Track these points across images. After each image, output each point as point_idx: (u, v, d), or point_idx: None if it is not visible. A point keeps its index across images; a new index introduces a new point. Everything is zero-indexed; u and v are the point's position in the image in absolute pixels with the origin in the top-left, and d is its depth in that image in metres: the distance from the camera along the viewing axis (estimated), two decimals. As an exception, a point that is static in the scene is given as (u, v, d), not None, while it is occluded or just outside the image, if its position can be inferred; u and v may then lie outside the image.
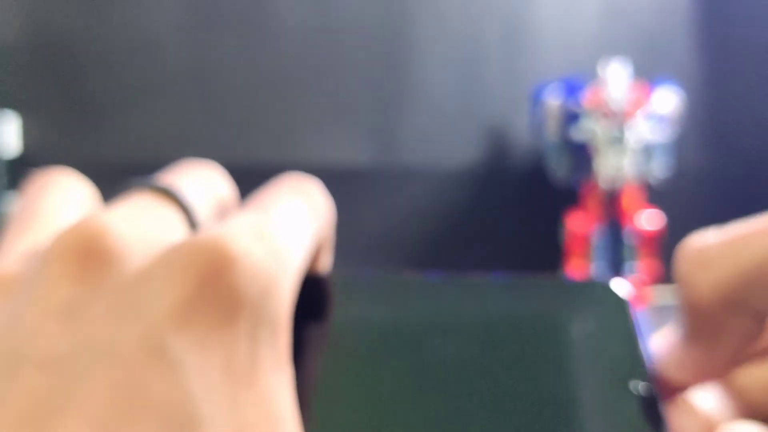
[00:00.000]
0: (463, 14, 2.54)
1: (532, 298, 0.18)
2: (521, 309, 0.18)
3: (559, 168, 2.34)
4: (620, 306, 0.18)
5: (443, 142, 2.53)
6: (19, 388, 0.11)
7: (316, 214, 0.17)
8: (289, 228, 0.15)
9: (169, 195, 0.16)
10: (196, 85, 2.51)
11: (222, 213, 0.18)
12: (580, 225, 2.26)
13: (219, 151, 2.58)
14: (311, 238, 0.16)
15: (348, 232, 2.21)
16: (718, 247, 0.17)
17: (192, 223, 0.16)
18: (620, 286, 0.19)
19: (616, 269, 2.26)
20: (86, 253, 0.13)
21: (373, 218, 2.53)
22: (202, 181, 0.18)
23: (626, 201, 2.25)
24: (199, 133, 2.51)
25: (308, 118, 2.52)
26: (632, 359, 0.17)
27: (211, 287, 0.12)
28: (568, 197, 2.36)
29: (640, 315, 0.18)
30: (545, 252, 2.44)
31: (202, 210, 0.17)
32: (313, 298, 0.18)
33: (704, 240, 0.18)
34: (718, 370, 0.18)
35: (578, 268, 2.27)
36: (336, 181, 2.34)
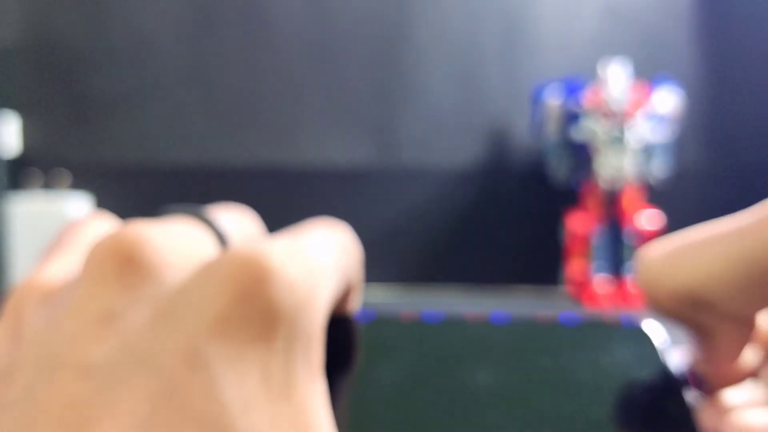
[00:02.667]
0: (462, 15, 2.54)
1: (567, 345, 0.18)
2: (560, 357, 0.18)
3: (559, 168, 2.34)
4: (653, 351, 0.18)
5: (443, 142, 2.53)
6: (58, 393, 0.11)
7: (347, 252, 0.17)
8: (322, 252, 0.15)
9: (204, 220, 0.16)
10: (196, 86, 2.51)
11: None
12: (580, 225, 2.26)
13: (218, 151, 2.59)
14: (342, 269, 0.16)
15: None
16: (668, 257, 0.18)
17: (225, 247, 0.16)
18: (652, 329, 0.19)
19: (616, 269, 2.26)
20: (125, 260, 0.13)
21: (373, 218, 2.53)
22: (235, 217, 0.18)
23: (626, 201, 2.25)
24: (198, 134, 2.51)
25: (308, 119, 2.52)
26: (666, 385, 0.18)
27: (249, 300, 0.12)
28: (568, 197, 2.36)
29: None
30: (545, 252, 2.44)
31: (234, 238, 0.17)
32: (340, 338, 0.18)
33: (656, 251, 0.18)
34: (731, 373, 0.18)
35: (578, 268, 2.27)
36: (336, 181, 2.35)
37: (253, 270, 0.13)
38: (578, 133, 2.27)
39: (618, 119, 2.23)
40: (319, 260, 0.14)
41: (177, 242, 0.14)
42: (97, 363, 0.12)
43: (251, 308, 0.12)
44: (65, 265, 0.15)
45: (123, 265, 0.13)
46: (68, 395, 0.11)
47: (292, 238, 0.15)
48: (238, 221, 0.18)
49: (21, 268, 2.27)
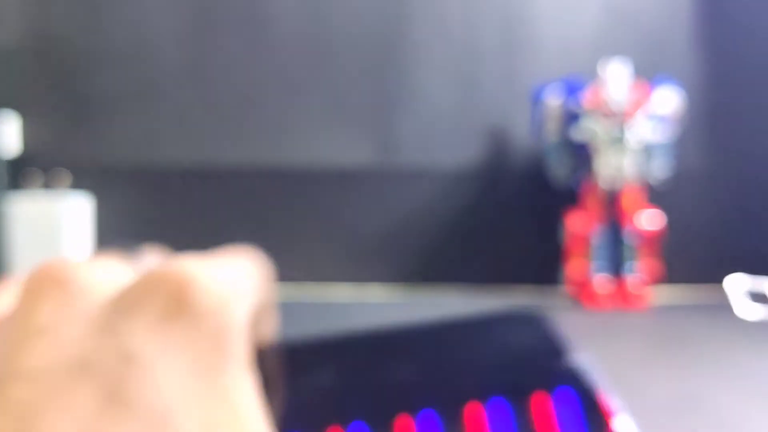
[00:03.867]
0: (462, 15, 2.54)
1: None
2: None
3: (559, 168, 2.34)
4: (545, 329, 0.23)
5: (443, 142, 2.53)
6: (5, 399, 0.13)
7: (256, 277, 0.19)
8: (235, 269, 0.18)
9: (132, 256, 0.19)
10: (195, 87, 2.51)
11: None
12: (580, 225, 2.26)
13: (217, 151, 2.58)
14: (252, 288, 0.18)
15: (348, 232, 2.21)
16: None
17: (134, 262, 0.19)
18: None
19: (616, 269, 2.26)
20: (57, 281, 0.15)
21: (373, 218, 2.53)
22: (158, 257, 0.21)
23: (626, 201, 2.25)
24: (197, 135, 2.51)
25: (308, 119, 2.52)
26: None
27: (177, 303, 0.15)
28: (568, 197, 2.36)
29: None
30: (545, 252, 2.44)
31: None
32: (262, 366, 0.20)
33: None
34: None
35: (578, 267, 2.27)
36: (336, 181, 2.35)
37: (178, 278, 0.15)
38: (578, 133, 2.27)
39: (618, 119, 2.23)
40: (233, 274, 0.17)
41: (103, 270, 0.16)
42: (41, 370, 0.13)
43: (179, 310, 0.14)
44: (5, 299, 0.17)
45: (55, 286, 0.15)
46: (16, 400, 0.13)
47: (210, 258, 0.18)
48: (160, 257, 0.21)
49: (21, 267, 2.27)
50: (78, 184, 2.43)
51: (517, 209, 2.52)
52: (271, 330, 0.21)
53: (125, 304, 0.15)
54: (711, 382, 1.23)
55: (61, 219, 2.31)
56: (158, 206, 2.50)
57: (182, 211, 2.52)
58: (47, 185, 2.41)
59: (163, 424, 0.13)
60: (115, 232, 2.48)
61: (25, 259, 2.28)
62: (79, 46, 2.47)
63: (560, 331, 0.22)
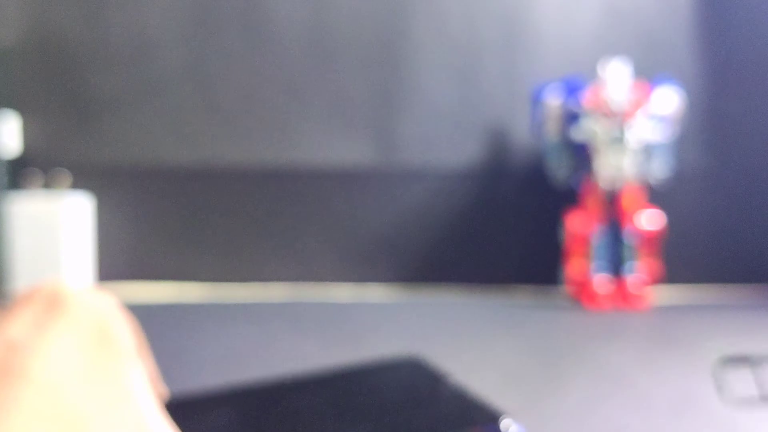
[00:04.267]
0: (462, 16, 2.54)
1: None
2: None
3: (559, 168, 2.35)
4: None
5: (443, 142, 2.53)
6: None
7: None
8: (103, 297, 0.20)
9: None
10: (196, 87, 2.51)
11: None
12: (580, 225, 2.26)
13: (218, 151, 2.59)
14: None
15: (348, 232, 2.21)
16: None
17: None
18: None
19: (616, 269, 2.27)
20: None
21: (373, 218, 2.53)
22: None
23: (626, 201, 2.26)
24: (198, 135, 2.51)
25: (308, 119, 2.52)
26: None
27: (54, 299, 0.17)
28: (568, 197, 2.36)
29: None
30: (545, 252, 2.44)
31: None
32: None
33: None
34: None
35: (578, 267, 2.27)
36: (336, 181, 2.35)
37: (54, 285, 0.18)
38: (578, 133, 2.27)
39: (618, 119, 2.23)
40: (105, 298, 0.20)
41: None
42: None
43: (57, 305, 0.17)
44: None
45: None
46: None
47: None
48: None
49: (21, 267, 2.27)
50: (78, 184, 2.43)
51: (517, 209, 2.52)
52: (152, 376, 0.23)
53: (10, 311, 0.17)
54: (711, 383, 1.23)
55: (61, 219, 2.31)
56: (158, 206, 2.50)
57: (183, 211, 2.52)
58: (47, 185, 2.41)
59: (54, 393, 0.15)
60: (115, 232, 2.49)
61: (25, 259, 2.28)
62: (80, 46, 2.47)
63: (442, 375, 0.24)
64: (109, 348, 0.18)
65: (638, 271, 2.24)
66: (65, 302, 0.18)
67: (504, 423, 0.19)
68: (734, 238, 2.50)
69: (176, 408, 0.24)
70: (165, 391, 0.26)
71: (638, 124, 2.24)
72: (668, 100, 2.27)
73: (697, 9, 2.55)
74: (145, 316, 1.96)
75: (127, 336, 0.19)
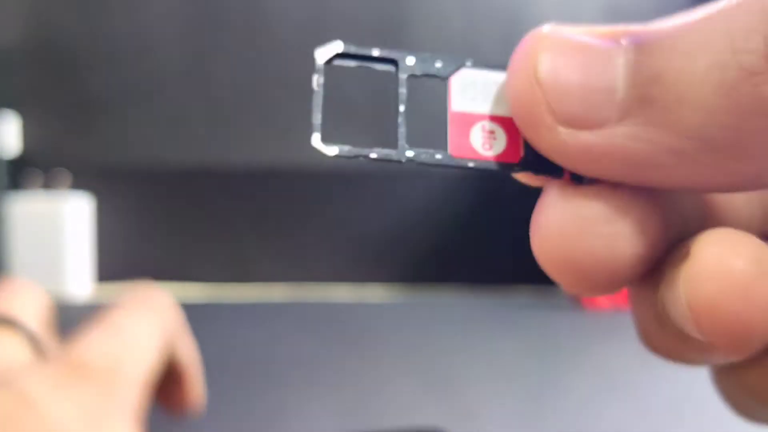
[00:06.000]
0: (462, 16, 2.55)
1: None
2: None
3: (559, 168, 2.34)
4: None
5: (443, 142, 2.53)
6: None
7: (161, 319, 0.22)
8: (132, 335, 0.20)
9: (12, 324, 0.21)
10: (196, 87, 2.51)
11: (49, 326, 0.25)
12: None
13: (219, 151, 2.58)
14: (156, 340, 0.21)
15: (348, 232, 2.21)
16: None
17: (34, 344, 0.21)
18: None
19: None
20: None
21: (373, 218, 2.53)
22: (32, 302, 0.24)
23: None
24: (199, 135, 2.51)
25: (308, 120, 2.52)
26: None
27: (72, 366, 0.18)
28: (568, 198, 2.36)
29: None
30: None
31: (38, 329, 0.23)
32: None
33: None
34: None
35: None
36: (336, 181, 2.35)
37: (77, 347, 0.18)
38: (578, 134, 2.27)
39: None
40: (130, 339, 0.20)
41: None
42: None
43: (75, 371, 0.18)
44: None
45: None
46: None
47: (109, 325, 0.20)
48: (30, 304, 0.24)
49: (21, 269, 2.27)
50: (78, 185, 2.44)
51: (517, 209, 2.52)
52: (189, 350, 0.23)
53: (31, 367, 0.18)
54: (709, 383, 1.24)
55: (61, 220, 2.32)
56: (159, 207, 2.51)
57: (183, 211, 2.53)
58: (47, 186, 2.42)
59: None
60: (116, 233, 2.49)
61: (25, 261, 2.29)
62: (80, 47, 2.48)
63: None
64: (110, 411, 0.18)
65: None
66: (85, 367, 0.18)
67: None
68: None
69: None
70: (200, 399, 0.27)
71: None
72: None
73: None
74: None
75: (133, 395, 0.19)
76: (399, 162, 0.15)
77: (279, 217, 2.62)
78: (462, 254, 2.58)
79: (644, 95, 0.12)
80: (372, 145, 0.18)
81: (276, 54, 2.57)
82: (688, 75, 0.11)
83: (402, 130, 0.17)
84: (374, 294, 2.43)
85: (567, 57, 0.13)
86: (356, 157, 0.16)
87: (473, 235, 2.61)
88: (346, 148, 0.17)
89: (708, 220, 0.14)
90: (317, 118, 0.16)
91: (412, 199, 2.57)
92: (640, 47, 0.12)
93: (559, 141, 0.12)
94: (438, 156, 0.17)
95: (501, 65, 0.15)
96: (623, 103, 0.12)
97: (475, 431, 1.04)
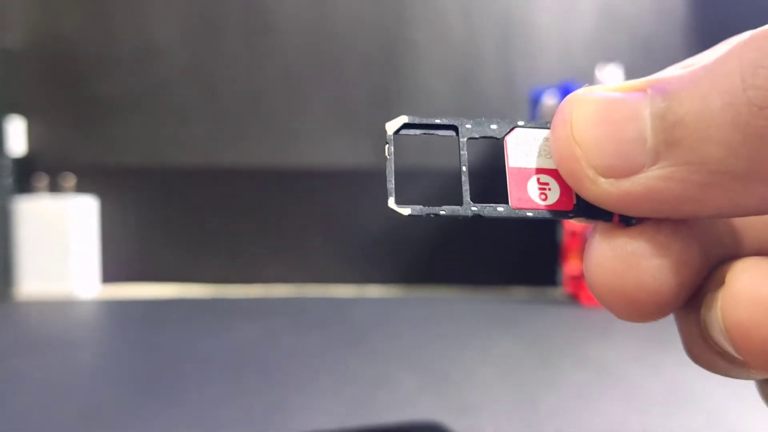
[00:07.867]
0: (461, 21, 2.58)
1: None
2: None
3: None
4: None
5: (443, 142, 2.55)
6: None
7: None
8: None
9: None
10: (199, 90, 2.54)
11: None
12: (580, 225, 2.29)
13: (222, 153, 2.61)
14: None
15: (348, 232, 2.26)
16: None
17: None
18: None
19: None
20: None
21: (373, 218, 2.56)
22: None
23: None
24: (202, 137, 2.54)
25: (310, 121, 2.55)
26: None
27: None
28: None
29: None
30: (545, 252, 2.47)
31: None
32: None
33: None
34: None
35: (577, 268, 2.29)
36: (336, 181, 2.39)
37: None
38: (576, 136, 2.29)
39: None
40: None
41: None
42: None
43: None
44: None
45: None
46: None
47: None
48: None
49: (27, 269, 2.30)
50: (83, 187, 2.46)
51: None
52: None
53: None
54: (706, 378, 1.26)
55: (66, 221, 2.34)
56: (163, 208, 2.53)
57: (187, 212, 2.55)
58: (53, 188, 2.44)
59: None
60: (120, 234, 2.51)
61: (31, 261, 2.31)
62: (85, 50, 2.51)
63: None
64: None
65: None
66: None
67: None
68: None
69: None
70: None
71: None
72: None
73: (693, 15, 2.58)
74: (148, 313, 1.99)
75: None
76: (466, 217, 0.18)
77: (282, 217, 2.64)
78: (461, 254, 2.61)
79: (670, 139, 0.13)
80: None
81: (277, 57, 2.60)
82: (707, 116, 0.12)
83: (466, 188, 0.19)
84: (374, 294, 2.45)
85: (599, 115, 0.14)
86: (428, 215, 0.18)
87: (472, 235, 2.63)
88: (418, 208, 0.18)
89: (741, 244, 0.16)
90: (391, 182, 0.18)
91: (412, 199, 2.57)
92: (664, 95, 0.13)
93: (603, 191, 0.14)
94: (500, 209, 0.19)
95: (548, 124, 0.18)
96: (653, 149, 0.13)
97: (472, 425, 1.07)
